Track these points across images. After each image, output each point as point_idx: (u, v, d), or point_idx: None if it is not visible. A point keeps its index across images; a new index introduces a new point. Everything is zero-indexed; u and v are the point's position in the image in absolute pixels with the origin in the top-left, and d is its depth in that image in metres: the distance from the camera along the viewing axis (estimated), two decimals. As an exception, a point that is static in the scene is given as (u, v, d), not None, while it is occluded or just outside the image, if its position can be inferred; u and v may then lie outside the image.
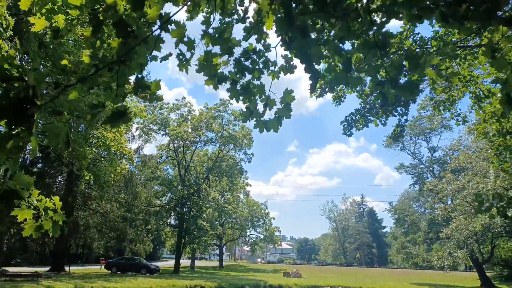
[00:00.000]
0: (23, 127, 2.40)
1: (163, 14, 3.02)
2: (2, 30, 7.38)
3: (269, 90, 3.65)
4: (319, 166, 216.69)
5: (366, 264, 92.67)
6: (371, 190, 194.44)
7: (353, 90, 10.64)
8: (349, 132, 10.81)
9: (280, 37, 3.45)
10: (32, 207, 3.10)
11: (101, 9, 3.48)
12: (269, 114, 3.61)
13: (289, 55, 3.72)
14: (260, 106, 3.68)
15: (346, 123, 10.83)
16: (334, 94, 10.69)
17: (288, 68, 3.77)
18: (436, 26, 9.47)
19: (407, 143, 45.23)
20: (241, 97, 3.71)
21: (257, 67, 3.78)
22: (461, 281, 36.17)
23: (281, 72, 3.79)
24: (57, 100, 2.66)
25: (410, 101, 10.65)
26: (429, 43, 10.00)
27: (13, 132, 2.34)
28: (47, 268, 28.90)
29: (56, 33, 3.33)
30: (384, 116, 10.14)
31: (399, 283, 33.37)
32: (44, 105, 2.49)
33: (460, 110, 11.15)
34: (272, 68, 3.78)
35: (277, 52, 3.61)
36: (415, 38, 10.53)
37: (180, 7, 3.32)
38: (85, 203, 31.46)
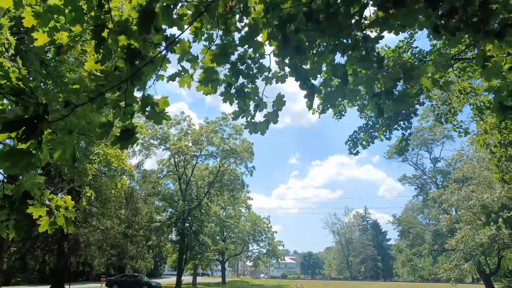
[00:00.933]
0: (33, 141, 2.52)
1: (168, 35, 3.10)
2: (4, 49, 7.45)
3: (262, 93, 3.77)
4: (321, 178, 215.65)
5: (371, 278, 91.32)
6: (375, 202, 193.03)
7: (353, 103, 10.66)
8: (355, 151, 10.75)
9: (272, 47, 3.50)
10: (45, 205, 3.28)
11: (104, 25, 3.53)
12: (260, 118, 3.76)
13: (282, 60, 3.77)
14: (252, 107, 3.81)
15: (351, 142, 10.77)
16: (334, 109, 10.68)
17: (281, 76, 3.86)
18: (435, 40, 9.53)
19: (410, 154, 45.23)
20: (235, 101, 3.81)
21: (251, 72, 3.87)
22: (469, 294, 35.49)
23: (274, 79, 3.87)
24: (66, 118, 2.73)
25: (412, 114, 10.66)
26: (427, 57, 10.07)
27: (25, 148, 2.48)
28: (48, 287, 28.45)
29: (59, 49, 3.38)
30: (388, 130, 10.11)
31: (405, 297, 32.75)
32: (54, 122, 2.57)
33: (462, 122, 11.09)
34: (266, 73, 3.89)
35: (271, 59, 3.71)
36: (413, 52, 10.61)
37: (185, 28, 3.36)
38: (86, 220, 31.18)
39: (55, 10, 3.35)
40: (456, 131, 11.28)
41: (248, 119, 3.82)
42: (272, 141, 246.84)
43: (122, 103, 2.95)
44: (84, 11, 3.38)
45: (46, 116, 2.55)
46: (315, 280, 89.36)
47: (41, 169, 26.91)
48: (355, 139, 10.96)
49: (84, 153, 18.50)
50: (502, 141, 10.74)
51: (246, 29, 3.71)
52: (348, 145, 10.79)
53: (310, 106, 3.64)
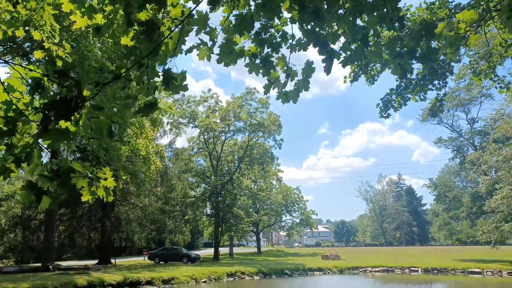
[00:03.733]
0: (71, 120, 2.80)
1: (184, 10, 3.10)
2: (50, 35, 7.96)
3: (289, 62, 3.75)
4: (352, 147, 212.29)
5: (406, 243, 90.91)
6: (409, 168, 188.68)
7: (387, 67, 10.24)
8: (386, 114, 10.42)
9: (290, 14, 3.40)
10: (86, 177, 3.54)
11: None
12: (290, 87, 3.77)
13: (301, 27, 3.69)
14: (281, 77, 3.81)
15: (382, 105, 10.43)
16: (367, 74, 10.32)
17: (304, 44, 3.75)
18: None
19: (445, 116, 43.19)
20: (260, 71, 3.79)
21: (275, 41, 3.83)
22: (511, 256, 34.61)
23: (298, 47, 3.77)
24: (97, 97, 2.93)
25: (448, 73, 10.10)
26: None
27: (63, 128, 2.78)
28: (95, 261, 30.54)
29: (97, 31, 3.49)
30: (422, 91, 9.69)
31: (443, 260, 32.45)
32: (88, 101, 2.82)
33: (503, 76, 10.36)
34: (290, 41, 3.83)
35: (293, 26, 3.63)
36: (449, 7, 9.89)
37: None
38: (125, 199, 32.76)
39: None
40: (497, 87, 10.60)
41: (279, 89, 3.81)
42: (300, 112, 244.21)
43: (145, 79, 3.04)
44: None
45: (82, 96, 2.80)
46: (349, 247, 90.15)
47: (79, 153, 28.26)
48: (386, 102, 10.60)
49: (118, 136, 19.19)
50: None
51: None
52: (379, 108, 10.45)
53: (327, 70, 3.58)
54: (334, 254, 39.12)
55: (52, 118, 2.83)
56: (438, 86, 10.10)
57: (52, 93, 2.96)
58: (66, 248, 38.72)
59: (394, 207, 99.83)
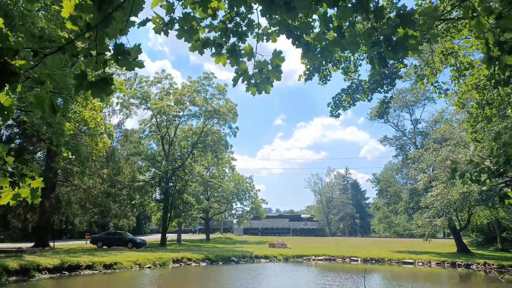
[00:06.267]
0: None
1: None
2: None
3: (255, 52, 3.64)
4: (306, 139, 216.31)
5: (349, 234, 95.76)
6: (356, 163, 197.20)
7: (337, 67, 10.70)
8: (336, 113, 10.87)
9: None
10: (8, 174, 2.96)
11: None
12: (259, 77, 3.63)
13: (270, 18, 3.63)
14: (249, 69, 3.71)
15: (333, 104, 10.85)
16: (320, 73, 10.60)
17: (272, 34, 3.72)
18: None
19: (391, 116, 45.68)
20: (228, 61, 3.70)
21: (240, 29, 3.73)
22: (439, 248, 37.84)
23: (265, 37, 3.73)
24: (37, 69, 2.58)
25: (394, 76, 10.66)
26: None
27: None
28: (31, 244, 28.69)
29: None
30: (370, 92, 10.22)
31: (380, 251, 34.68)
32: (24, 73, 2.47)
33: (443, 82, 11.17)
34: (256, 30, 3.75)
35: (259, 14, 3.54)
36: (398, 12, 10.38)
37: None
38: (67, 179, 30.94)
39: None
40: (436, 92, 11.37)
41: (248, 81, 3.71)
42: (258, 102, 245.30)
43: (94, 52, 2.82)
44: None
45: (15, 65, 2.44)
46: (296, 236, 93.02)
47: (17, 127, 26.11)
48: (337, 101, 11.01)
49: (62, 111, 17.85)
50: (480, 102, 10.90)
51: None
52: (331, 107, 10.83)
53: (311, 61, 3.51)
54: (281, 243, 40.17)
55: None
56: (386, 89, 10.66)
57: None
58: (-2, 229, 35.93)
59: (340, 200, 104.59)
